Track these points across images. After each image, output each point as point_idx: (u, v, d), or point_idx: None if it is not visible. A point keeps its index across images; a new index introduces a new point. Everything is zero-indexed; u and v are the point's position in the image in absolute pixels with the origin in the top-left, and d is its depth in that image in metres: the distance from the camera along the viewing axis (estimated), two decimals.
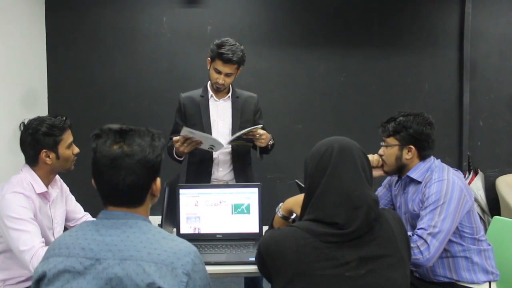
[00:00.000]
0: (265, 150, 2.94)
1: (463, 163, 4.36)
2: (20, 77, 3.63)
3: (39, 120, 2.14)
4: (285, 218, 1.96)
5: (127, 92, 4.19)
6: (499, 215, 3.96)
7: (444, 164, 2.24)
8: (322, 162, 1.57)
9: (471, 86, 4.37)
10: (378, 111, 4.30)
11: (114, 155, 1.32)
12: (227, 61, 2.76)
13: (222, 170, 2.96)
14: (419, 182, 2.21)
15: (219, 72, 2.81)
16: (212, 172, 2.94)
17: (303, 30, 4.29)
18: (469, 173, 4.35)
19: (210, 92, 2.96)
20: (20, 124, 2.16)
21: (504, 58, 4.43)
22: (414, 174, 2.23)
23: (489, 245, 2.20)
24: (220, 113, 2.96)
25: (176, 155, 2.87)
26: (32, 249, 1.95)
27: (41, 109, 3.99)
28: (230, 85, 2.97)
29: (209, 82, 2.95)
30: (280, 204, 1.97)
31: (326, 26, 4.30)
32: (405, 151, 2.23)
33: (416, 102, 4.34)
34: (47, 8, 4.06)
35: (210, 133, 2.88)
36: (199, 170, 2.96)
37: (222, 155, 2.92)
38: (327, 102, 4.35)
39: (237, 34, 4.17)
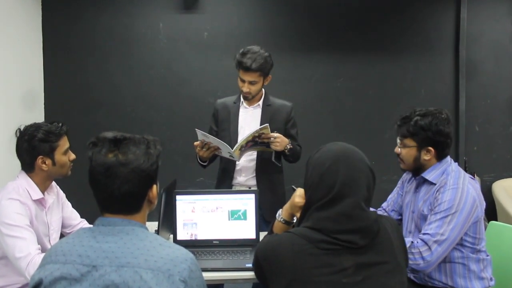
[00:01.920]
0: (283, 155, 2.90)
1: None
2: (16, 82, 3.62)
3: (35, 127, 2.14)
4: (288, 223, 1.92)
5: (124, 98, 4.19)
6: (496, 220, 3.97)
7: (460, 170, 2.19)
8: (326, 178, 1.52)
9: (467, 92, 4.38)
10: (375, 116, 4.31)
11: (108, 164, 1.32)
12: (246, 69, 2.78)
13: (244, 176, 2.96)
14: (433, 184, 2.16)
15: (243, 81, 2.84)
16: (234, 177, 2.95)
17: (300, 35, 4.30)
18: None
19: (242, 99, 2.98)
20: (16, 131, 2.16)
21: (499, 64, 4.45)
22: (429, 176, 2.17)
23: (488, 255, 2.17)
24: (248, 120, 2.96)
25: (200, 160, 2.90)
26: (28, 256, 1.94)
27: (38, 115, 3.98)
28: (264, 92, 2.98)
29: None
30: (280, 210, 1.95)
31: (323, 32, 4.31)
32: (423, 152, 2.17)
33: (412, 107, 4.33)
34: (44, 14, 4.07)
35: (237, 139, 2.86)
36: (223, 175, 3.01)
37: (245, 162, 2.93)
38: (324, 107, 4.36)
39: (233, 40, 4.18)
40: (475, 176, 4.38)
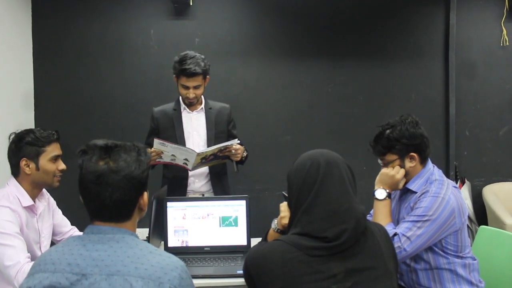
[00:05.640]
0: (240, 161, 2.96)
1: (450, 173, 4.39)
2: (6, 89, 3.60)
3: (28, 131, 2.15)
4: (283, 232, 1.90)
5: (114, 104, 4.17)
6: (486, 224, 3.99)
7: (444, 177, 2.19)
8: (309, 178, 1.56)
9: (457, 96, 4.41)
10: (365, 122, 4.32)
11: (100, 171, 1.32)
12: (191, 75, 2.77)
13: (198, 182, 2.97)
14: (416, 192, 2.17)
15: (187, 88, 2.83)
16: (188, 184, 2.94)
17: (291, 41, 4.31)
18: (456, 183, 4.37)
19: (183, 105, 2.97)
20: (10, 135, 2.16)
21: (489, 68, 4.48)
22: (412, 186, 2.19)
23: (474, 259, 2.18)
24: (194, 125, 2.97)
25: None
26: (17, 264, 1.93)
27: (28, 120, 3.95)
28: (203, 97, 2.98)
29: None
30: (275, 219, 1.93)
31: (314, 38, 4.33)
32: (407, 160, 2.18)
33: (402, 113, 4.34)
34: (33, 20, 4.05)
35: (185, 145, 2.88)
36: (174, 183, 2.95)
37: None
38: (315, 113, 4.37)
39: (225, 46, 4.19)
40: (466, 180, 4.41)
